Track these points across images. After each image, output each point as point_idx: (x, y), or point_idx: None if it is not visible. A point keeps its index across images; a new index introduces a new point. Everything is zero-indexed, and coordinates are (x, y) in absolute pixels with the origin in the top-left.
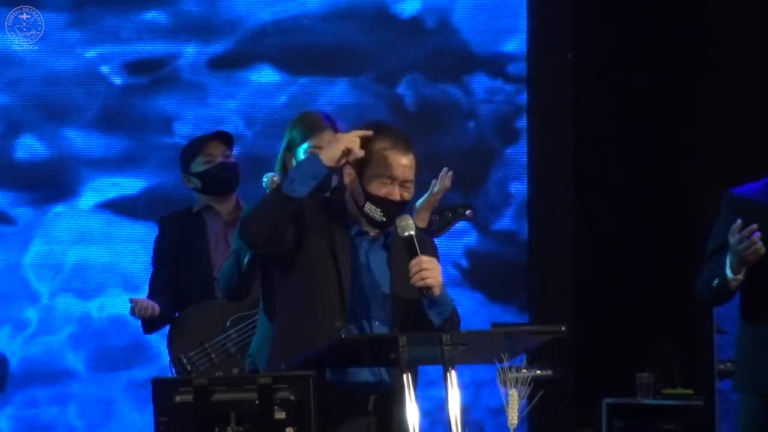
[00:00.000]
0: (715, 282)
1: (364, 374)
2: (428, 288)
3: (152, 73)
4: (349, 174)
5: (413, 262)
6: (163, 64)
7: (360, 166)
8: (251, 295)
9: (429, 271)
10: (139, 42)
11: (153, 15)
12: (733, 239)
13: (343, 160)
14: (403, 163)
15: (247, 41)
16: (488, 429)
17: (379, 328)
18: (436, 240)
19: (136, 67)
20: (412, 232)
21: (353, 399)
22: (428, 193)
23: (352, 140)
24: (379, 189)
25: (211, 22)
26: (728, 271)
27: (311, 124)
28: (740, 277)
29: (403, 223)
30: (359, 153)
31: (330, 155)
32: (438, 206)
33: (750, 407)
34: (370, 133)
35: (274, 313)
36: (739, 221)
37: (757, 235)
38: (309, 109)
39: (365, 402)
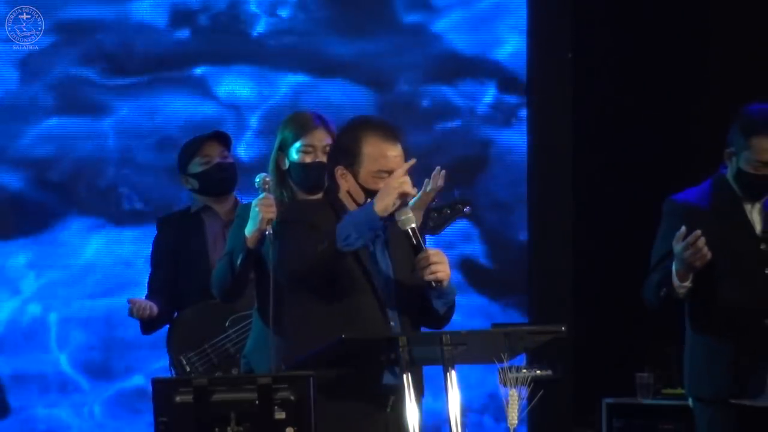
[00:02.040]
0: (663, 292)
1: (385, 375)
2: (439, 281)
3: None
4: (342, 174)
5: (421, 256)
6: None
7: (353, 164)
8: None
9: (438, 264)
10: None
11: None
12: (678, 247)
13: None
14: (395, 154)
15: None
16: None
17: (393, 318)
18: (435, 237)
19: None
20: (414, 225)
21: (373, 399)
22: (421, 191)
23: (403, 184)
24: (376, 184)
25: None
26: (675, 279)
27: (303, 124)
28: (687, 284)
29: (404, 217)
30: (414, 192)
31: (385, 205)
32: (435, 203)
33: (707, 414)
34: (413, 162)
35: (268, 313)
36: (683, 229)
37: (702, 240)
38: (300, 110)
39: (385, 402)
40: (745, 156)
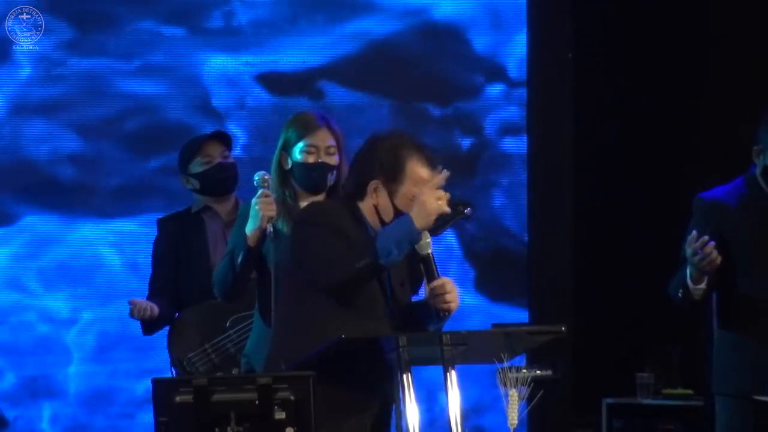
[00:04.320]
0: (680, 292)
1: (369, 375)
2: (448, 312)
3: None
4: (376, 188)
5: (437, 284)
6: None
7: (393, 182)
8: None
9: (451, 294)
10: None
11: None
12: (688, 251)
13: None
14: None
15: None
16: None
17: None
18: (434, 238)
19: None
20: (430, 251)
21: (358, 399)
22: None
23: (442, 203)
24: (410, 207)
25: None
26: (689, 282)
27: (306, 124)
28: (702, 286)
29: (423, 242)
30: (448, 210)
31: (426, 223)
32: None
33: (728, 409)
34: (448, 174)
35: (269, 313)
36: (694, 233)
37: (711, 245)
38: (304, 110)
39: (369, 403)
40: None
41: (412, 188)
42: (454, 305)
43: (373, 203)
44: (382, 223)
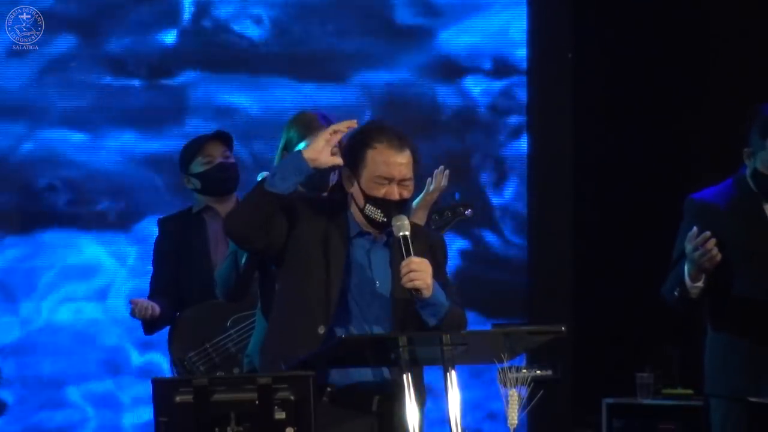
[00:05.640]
0: (677, 291)
1: (367, 374)
2: (416, 290)
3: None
4: (348, 177)
5: (403, 263)
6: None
7: (357, 168)
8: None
9: (417, 273)
10: None
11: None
12: (688, 247)
13: (332, 156)
14: (399, 161)
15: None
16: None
17: (377, 329)
18: None
19: None
20: (407, 233)
21: (357, 399)
22: (423, 191)
23: (330, 131)
24: (377, 190)
25: None
26: (687, 279)
27: (307, 124)
28: (700, 284)
29: (398, 223)
30: (342, 127)
31: (312, 151)
32: (437, 205)
33: (722, 410)
34: (353, 123)
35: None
36: (694, 229)
37: (712, 241)
38: (306, 110)
39: (369, 402)
40: (761, 156)
41: (375, 171)
42: (419, 282)
43: (350, 191)
44: (360, 210)
